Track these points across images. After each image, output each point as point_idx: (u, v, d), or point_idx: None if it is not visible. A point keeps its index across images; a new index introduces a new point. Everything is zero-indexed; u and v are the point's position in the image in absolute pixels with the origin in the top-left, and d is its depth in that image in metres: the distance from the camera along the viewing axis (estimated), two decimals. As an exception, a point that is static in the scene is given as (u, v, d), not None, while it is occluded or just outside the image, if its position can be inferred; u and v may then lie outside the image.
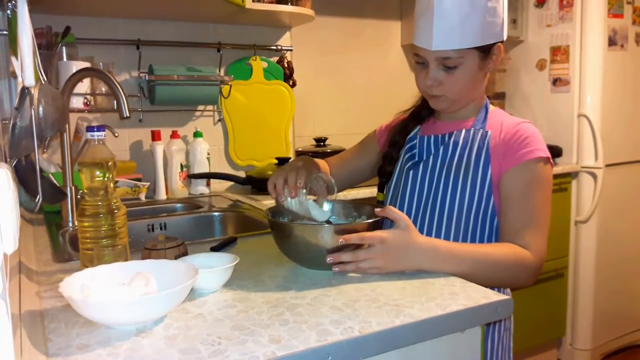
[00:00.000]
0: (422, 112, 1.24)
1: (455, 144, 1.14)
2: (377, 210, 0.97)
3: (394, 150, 1.24)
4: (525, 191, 1.06)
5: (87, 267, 0.93)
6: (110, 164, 0.95)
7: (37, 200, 0.99)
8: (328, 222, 1.09)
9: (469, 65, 1.08)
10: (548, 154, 1.09)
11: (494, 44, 1.09)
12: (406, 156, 1.21)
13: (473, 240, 1.11)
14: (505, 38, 1.11)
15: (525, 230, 1.04)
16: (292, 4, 2.06)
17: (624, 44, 2.52)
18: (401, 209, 1.16)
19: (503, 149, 1.09)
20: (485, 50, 1.08)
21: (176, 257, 0.97)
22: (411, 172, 1.17)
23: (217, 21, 2.16)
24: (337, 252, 0.94)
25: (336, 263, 0.94)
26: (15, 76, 1.65)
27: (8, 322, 0.47)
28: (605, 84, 2.46)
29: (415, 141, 1.21)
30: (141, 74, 2.01)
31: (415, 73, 1.15)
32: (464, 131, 1.14)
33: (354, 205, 1.13)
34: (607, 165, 2.48)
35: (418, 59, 1.12)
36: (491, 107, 1.19)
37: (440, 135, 1.17)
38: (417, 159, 1.19)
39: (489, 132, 1.12)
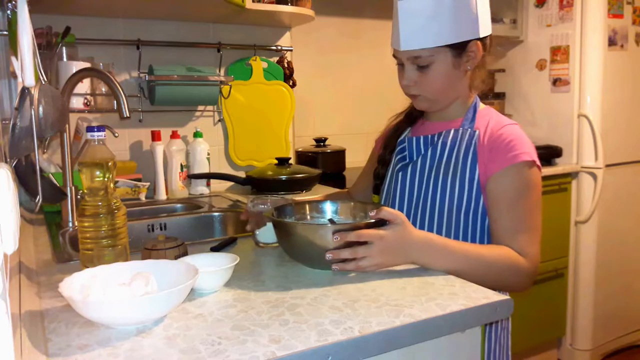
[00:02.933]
0: (413, 113, 1.24)
1: (444, 144, 1.13)
2: (372, 214, 0.96)
3: (387, 153, 1.25)
4: (514, 197, 1.05)
5: (87, 267, 0.93)
6: (110, 164, 0.95)
7: (37, 200, 0.99)
8: (332, 221, 1.10)
9: (441, 63, 1.08)
10: (534, 157, 1.07)
11: (469, 41, 1.08)
12: (397, 158, 1.22)
13: (465, 240, 1.11)
14: (482, 35, 1.09)
15: (518, 236, 1.03)
16: (292, 4, 2.06)
17: (624, 44, 2.52)
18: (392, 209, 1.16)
19: (487, 152, 1.08)
20: (458, 48, 1.07)
21: (176, 257, 0.97)
22: (400, 173, 1.18)
23: (217, 21, 2.16)
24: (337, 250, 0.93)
25: (336, 261, 0.93)
26: (15, 76, 1.65)
27: (8, 322, 0.47)
28: (605, 84, 2.46)
29: (405, 143, 1.21)
30: (141, 74, 2.01)
31: (398, 76, 1.16)
32: (452, 131, 1.14)
33: (360, 205, 1.13)
34: (607, 166, 2.48)
35: (397, 60, 1.13)
36: (481, 106, 1.18)
37: (429, 136, 1.17)
38: (407, 160, 1.19)
39: (477, 132, 1.11)
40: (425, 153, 1.16)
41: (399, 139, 1.24)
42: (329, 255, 0.92)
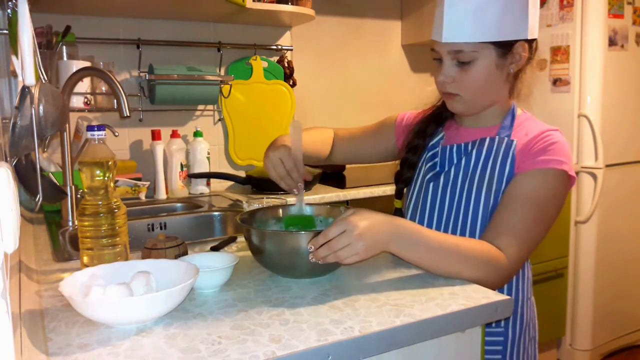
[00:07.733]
0: (442, 114, 1.17)
1: (479, 153, 1.06)
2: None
3: (413, 156, 1.17)
4: (529, 199, 0.98)
5: (87, 266, 0.93)
6: (110, 163, 0.95)
7: (37, 199, 0.99)
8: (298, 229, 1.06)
9: (484, 61, 1.01)
10: (568, 169, 0.99)
11: (516, 41, 1.01)
12: (427, 165, 1.14)
13: None
14: (530, 37, 1.03)
15: (510, 237, 0.96)
16: (292, 4, 2.06)
17: (624, 44, 2.52)
18: (421, 222, 1.11)
19: (524, 153, 1.02)
20: (504, 47, 1.01)
21: (176, 257, 0.97)
22: (431, 184, 1.11)
23: (217, 21, 2.16)
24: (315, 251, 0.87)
25: (319, 259, 0.87)
26: (15, 75, 1.65)
27: (8, 321, 0.47)
28: (605, 84, 2.46)
29: (437, 149, 1.14)
30: (141, 74, 2.01)
31: (435, 73, 1.08)
32: (487, 140, 1.07)
33: (329, 208, 1.09)
34: (607, 166, 2.48)
35: (434, 55, 1.06)
36: (518, 112, 1.11)
37: (463, 144, 1.10)
38: (438, 169, 1.12)
39: (515, 141, 1.04)
40: (458, 163, 1.09)
41: (431, 144, 1.16)
42: (311, 258, 0.86)
